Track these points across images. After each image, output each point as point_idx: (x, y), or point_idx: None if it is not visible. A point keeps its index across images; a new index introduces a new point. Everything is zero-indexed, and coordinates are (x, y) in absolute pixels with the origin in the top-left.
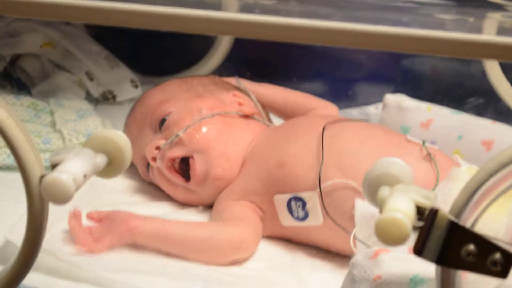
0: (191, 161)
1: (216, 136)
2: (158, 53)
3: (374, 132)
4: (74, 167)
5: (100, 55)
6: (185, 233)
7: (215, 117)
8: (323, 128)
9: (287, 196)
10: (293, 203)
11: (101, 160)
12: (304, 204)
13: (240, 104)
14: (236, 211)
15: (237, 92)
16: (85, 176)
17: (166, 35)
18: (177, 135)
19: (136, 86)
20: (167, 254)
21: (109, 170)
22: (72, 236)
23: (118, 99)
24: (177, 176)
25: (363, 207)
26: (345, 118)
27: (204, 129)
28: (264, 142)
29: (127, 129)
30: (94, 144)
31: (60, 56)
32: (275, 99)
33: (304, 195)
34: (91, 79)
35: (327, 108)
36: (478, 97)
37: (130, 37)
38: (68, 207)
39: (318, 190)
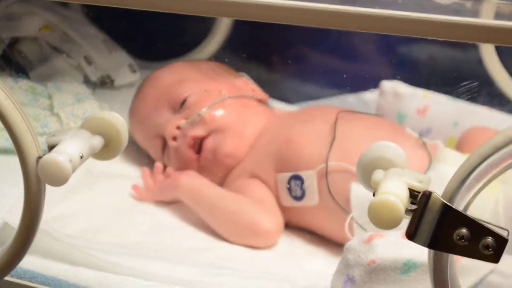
0: (205, 140)
1: (236, 117)
2: (156, 38)
3: (379, 123)
4: (70, 148)
5: (98, 39)
6: (217, 199)
7: (235, 99)
8: (337, 115)
9: (288, 175)
10: (292, 182)
11: (97, 141)
12: (302, 183)
13: (252, 90)
14: (257, 193)
15: (246, 79)
16: (81, 157)
17: (164, 19)
18: (199, 114)
19: (134, 71)
20: (199, 217)
21: (105, 152)
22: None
23: (116, 83)
24: (192, 153)
25: (358, 190)
26: (358, 111)
27: (225, 109)
28: (278, 123)
29: (136, 111)
30: (91, 126)
31: (58, 39)
32: None
33: (303, 173)
34: (89, 63)
35: None
36: (474, 84)
37: (128, 21)
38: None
39: (317, 169)
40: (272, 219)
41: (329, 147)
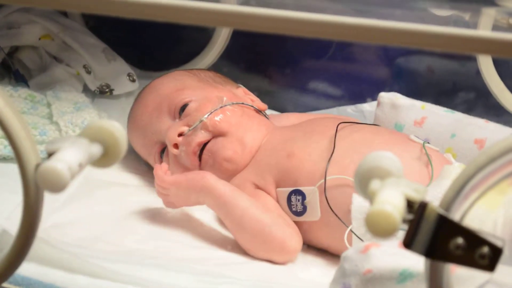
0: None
1: (237, 123)
2: (155, 48)
3: (378, 133)
4: (69, 156)
5: (97, 48)
6: (247, 207)
7: (235, 106)
8: (337, 128)
9: (288, 190)
10: (293, 197)
11: (96, 149)
12: (303, 198)
13: (252, 100)
14: (272, 207)
15: (245, 89)
16: (80, 165)
17: (163, 30)
18: (201, 121)
19: (133, 80)
20: (223, 220)
21: (104, 160)
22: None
23: (115, 92)
24: (196, 160)
25: (360, 202)
26: (357, 122)
27: (226, 115)
28: (279, 135)
29: (135, 118)
30: (90, 134)
31: (58, 48)
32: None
33: (304, 189)
34: (88, 72)
35: None
36: (471, 96)
37: (128, 31)
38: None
39: (317, 185)
40: (298, 238)
41: (328, 161)
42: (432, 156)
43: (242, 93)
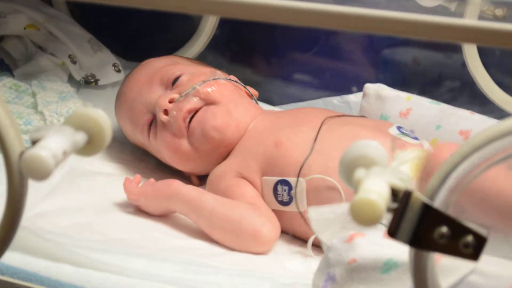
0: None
1: (229, 95)
2: (141, 38)
3: (363, 125)
4: (54, 144)
5: (83, 39)
6: (216, 206)
7: (228, 82)
8: (322, 122)
9: (275, 179)
10: (279, 187)
11: (81, 137)
12: (290, 188)
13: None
14: (249, 196)
15: (236, 78)
16: (64, 153)
17: (149, 20)
18: (194, 88)
19: (119, 71)
20: (196, 223)
21: (88, 148)
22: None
23: (101, 83)
24: (186, 127)
25: (316, 214)
26: (346, 115)
27: (219, 86)
28: (267, 122)
29: (125, 91)
30: (75, 122)
31: (43, 38)
32: None
33: (292, 180)
34: (74, 62)
35: None
36: (457, 87)
37: (114, 21)
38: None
39: (307, 178)
40: (271, 226)
41: (308, 154)
42: (405, 148)
43: (233, 79)
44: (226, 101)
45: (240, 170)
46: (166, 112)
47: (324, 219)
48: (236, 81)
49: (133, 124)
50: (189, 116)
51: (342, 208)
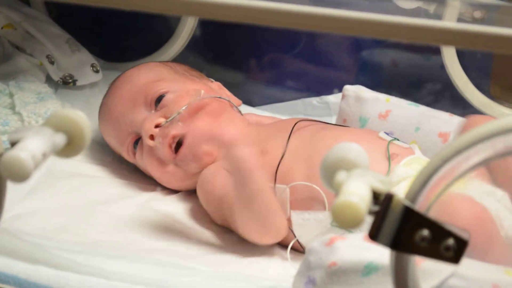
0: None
1: (214, 116)
2: (119, 39)
3: (347, 131)
4: (33, 145)
5: (61, 39)
6: (263, 189)
7: (212, 99)
8: (293, 126)
9: None
10: None
11: (60, 139)
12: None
13: (227, 95)
14: None
15: (220, 84)
16: (44, 154)
17: (127, 21)
18: (179, 113)
19: (97, 71)
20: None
21: (68, 149)
22: None
23: (79, 83)
24: (170, 152)
25: (297, 219)
26: (329, 123)
27: (204, 108)
28: (252, 133)
29: (109, 108)
30: (54, 123)
31: (21, 38)
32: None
33: (278, 186)
34: (51, 62)
35: None
36: (436, 89)
37: (92, 22)
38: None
39: (290, 185)
40: (284, 220)
41: (278, 163)
42: (399, 154)
43: (217, 87)
44: (211, 124)
45: None
46: (152, 137)
47: (306, 225)
48: (220, 97)
49: (119, 143)
50: (175, 142)
51: (324, 215)
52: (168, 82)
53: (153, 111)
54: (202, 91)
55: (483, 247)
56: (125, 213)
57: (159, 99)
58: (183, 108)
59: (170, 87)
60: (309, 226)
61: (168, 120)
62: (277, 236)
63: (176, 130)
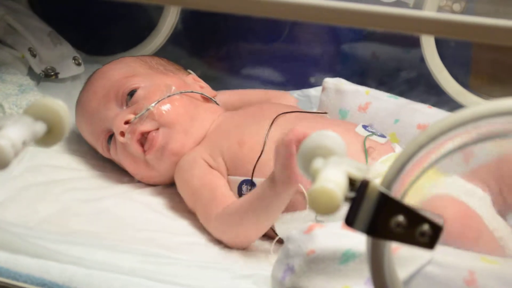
0: (152, 133)
1: (184, 113)
2: (101, 32)
3: (324, 122)
4: (13, 133)
5: (43, 32)
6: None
7: (183, 95)
8: (274, 119)
9: (240, 179)
10: (244, 187)
11: (40, 127)
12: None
13: (201, 87)
14: (223, 188)
15: (195, 76)
16: (24, 142)
17: (109, 13)
18: (148, 109)
19: (79, 64)
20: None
21: (47, 138)
22: None
23: (61, 76)
24: (140, 148)
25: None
26: (307, 111)
27: (173, 105)
28: (227, 122)
29: (84, 104)
30: (34, 112)
31: (2, 31)
32: (231, 100)
33: (257, 180)
34: (34, 55)
35: (286, 97)
36: (415, 82)
37: (74, 14)
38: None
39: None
40: None
41: (260, 154)
42: (376, 148)
43: (191, 80)
44: (182, 120)
45: (209, 162)
46: (123, 134)
47: (289, 224)
48: (192, 91)
49: (93, 138)
50: (144, 137)
51: (304, 214)
52: (140, 77)
53: (124, 107)
54: (173, 87)
55: (473, 242)
56: (105, 203)
57: (130, 94)
58: (153, 104)
59: (141, 82)
60: (292, 226)
61: (136, 116)
62: (247, 247)
63: (144, 126)
